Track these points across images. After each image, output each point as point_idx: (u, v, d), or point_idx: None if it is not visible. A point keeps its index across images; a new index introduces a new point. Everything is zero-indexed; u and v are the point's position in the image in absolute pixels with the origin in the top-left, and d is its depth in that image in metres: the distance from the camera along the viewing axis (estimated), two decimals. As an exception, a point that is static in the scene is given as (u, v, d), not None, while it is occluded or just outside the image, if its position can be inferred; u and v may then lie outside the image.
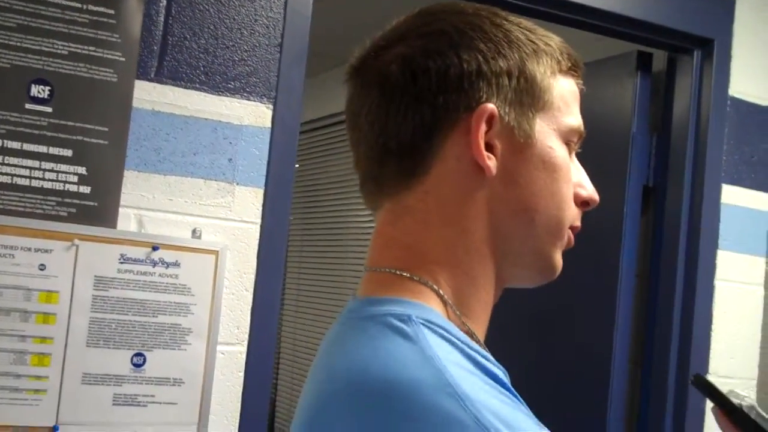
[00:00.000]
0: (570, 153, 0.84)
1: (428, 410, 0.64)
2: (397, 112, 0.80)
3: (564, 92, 0.83)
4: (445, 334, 0.73)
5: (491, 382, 0.71)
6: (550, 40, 0.84)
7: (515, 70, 0.79)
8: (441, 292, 0.79)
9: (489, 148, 0.79)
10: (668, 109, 2.34)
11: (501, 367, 0.77)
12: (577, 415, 2.34)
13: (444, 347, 0.71)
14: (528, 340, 2.56)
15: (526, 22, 0.84)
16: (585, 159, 0.89)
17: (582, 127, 0.84)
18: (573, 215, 0.84)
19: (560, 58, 0.83)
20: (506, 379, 0.75)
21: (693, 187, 2.26)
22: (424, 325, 0.73)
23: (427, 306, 0.77)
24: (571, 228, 0.84)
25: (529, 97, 0.80)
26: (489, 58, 0.79)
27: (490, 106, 0.78)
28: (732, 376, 2.26)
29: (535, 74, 0.80)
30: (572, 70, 0.85)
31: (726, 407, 1.08)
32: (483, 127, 0.78)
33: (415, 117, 0.79)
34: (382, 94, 0.81)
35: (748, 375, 2.29)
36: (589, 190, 0.86)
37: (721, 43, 2.27)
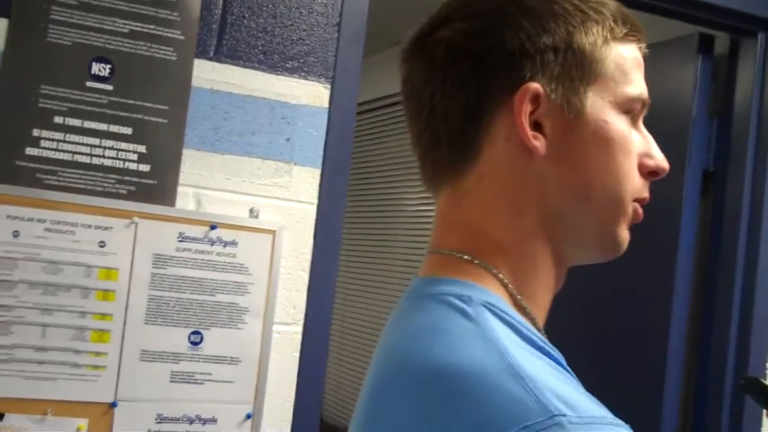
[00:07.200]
0: (635, 122, 0.81)
1: (491, 393, 0.63)
2: (443, 96, 0.79)
3: (620, 60, 0.79)
4: (504, 316, 0.72)
5: (552, 363, 0.70)
6: (603, 6, 0.80)
7: (561, 44, 0.77)
8: (501, 276, 0.78)
9: (537, 127, 0.77)
10: (730, 93, 2.29)
11: (558, 352, 0.76)
12: (628, 410, 2.31)
13: (503, 328, 0.70)
14: (581, 327, 2.52)
15: None
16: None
17: (644, 94, 0.81)
18: (636, 188, 0.81)
19: (614, 24, 0.79)
20: (564, 363, 0.74)
21: (755, 172, 2.21)
22: (484, 306, 0.72)
23: (487, 289, 0.76)
24: (638, 200, 0.81)
25: (578, 70, 0.77)
26: (532, 35, 0.76)
27: (534, 85, 0.76)
28: (792, 369, 2.21)
29: (584, 46, 0.77)
30: (630, 34, 0.81)
31: None
32: (527, 107, 0.76)
33: (460, 101, 0.78)
34: (429, 79, 0.81)
35: (810, 367, 2.24)
36: (657, 159, 0.82)
37: (786, 26, 2.22)
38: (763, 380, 1.06)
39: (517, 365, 0.65)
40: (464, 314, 0.71)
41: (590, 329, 2.53)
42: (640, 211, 0.82)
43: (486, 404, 0.63)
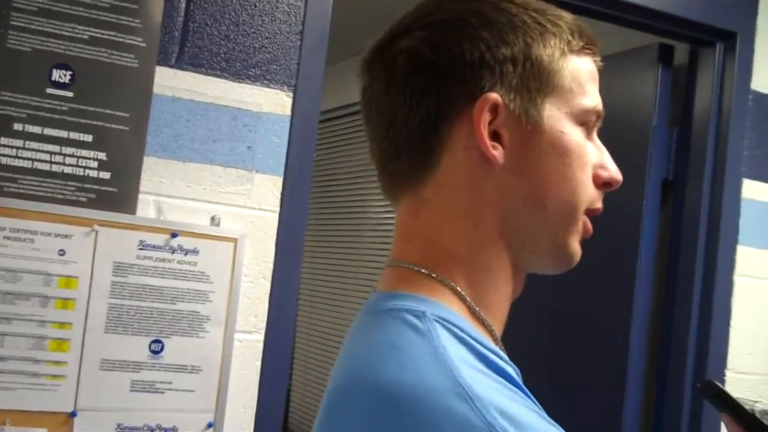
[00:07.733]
0: (589, 133, 0.83)
1: (437, 413, 0.64)
2: (404, 105, 0.80)
3: (577, 72, 0.81)
4: (458, 331, 0.73)
5: (501, 380, 0.71)
6: (560, 19, 0.82)
7: (520, 55, 0.78)
8: (458, 288, 0.79)
9: (496, 137, 0.78)
10: (689, 103, 2.32)
11: (513, 365, 0.77)
12: (590, 414, 2.33)
13: (455, 344, 0.71)
14: (542, 336, 2.54)
15: (536, 2, 0.82)
16: (604, 151, 0.87)
17: (599, 106, 0.83)
18: (590, 198, 0.82)
19: (571, 37, 0.81)
20: (518, 378, 0.75)
21: (713, 181, 2.25)
22: (437, 321, 0.73)
23: (443, 304, 0.77)
24: (591, 210, 0.83)
25: (536, 82, 0.79)
26: (492, 46, 0.78)
27: (493, 95, 0.77)
28: (750, 372, 2.24)
29: (541, 58, 0.79)
30: (586, 48, 0.83)
31: (738, 414, 1.05)
32: (486, 117, 0.77)
33: (421, 110, 0.79)
34: (389, 88, 0.81)
35: (767, 371, 2.27)
36: (611, 171, 0.83)
37: (744, 37, 2.25)
38: (720, 384, 1.07)
39: (465, 384, 0.66)
40: (416, 330, 0.71)
41: (552, 336, 2.55)
42: (590, 225, 0.84)
43: (433, 423, 0.64)
